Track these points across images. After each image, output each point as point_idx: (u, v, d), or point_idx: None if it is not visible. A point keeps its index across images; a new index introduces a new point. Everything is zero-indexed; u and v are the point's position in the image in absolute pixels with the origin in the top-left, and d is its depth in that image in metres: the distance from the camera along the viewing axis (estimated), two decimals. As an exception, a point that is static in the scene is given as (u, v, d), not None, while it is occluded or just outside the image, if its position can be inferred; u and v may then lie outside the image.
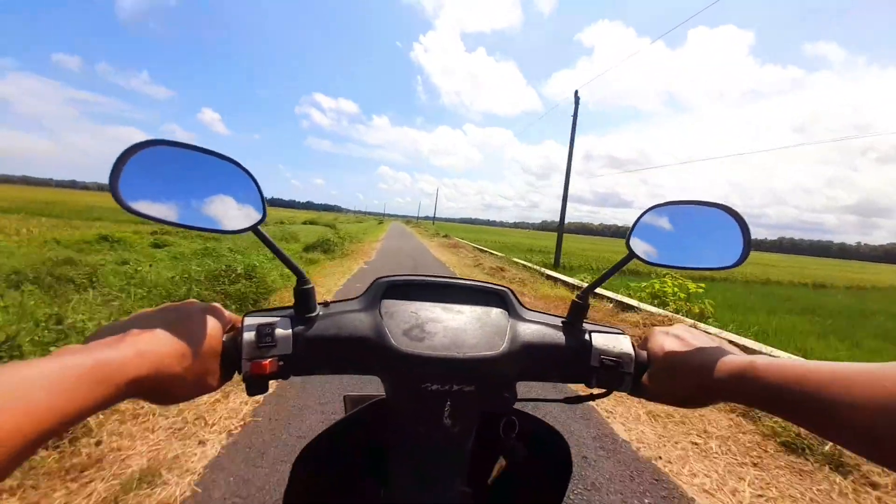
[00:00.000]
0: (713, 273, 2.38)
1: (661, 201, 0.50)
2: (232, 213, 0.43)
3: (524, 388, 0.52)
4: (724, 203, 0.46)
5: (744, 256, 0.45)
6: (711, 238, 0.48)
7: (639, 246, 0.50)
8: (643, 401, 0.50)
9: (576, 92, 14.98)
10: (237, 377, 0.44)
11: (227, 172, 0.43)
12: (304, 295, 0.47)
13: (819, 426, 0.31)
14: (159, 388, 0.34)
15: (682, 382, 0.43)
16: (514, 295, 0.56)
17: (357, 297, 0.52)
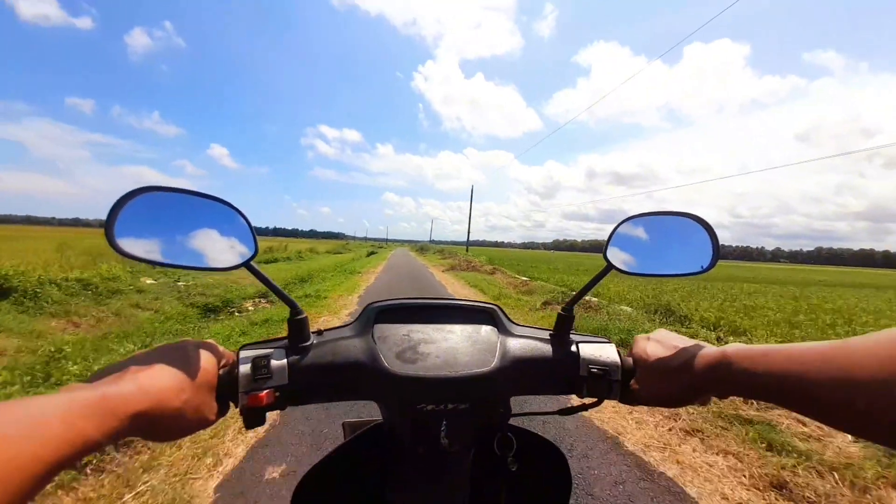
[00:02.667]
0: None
1: (633, 214, 0.53)
2: (225, 251, 0.46)
3: (518, 404, 0.54)
4: (693, 213, 0.49)
5: (713, 262, 0.48)
6: (684, 246, 0.51)
7: (616, 257, 0.53)
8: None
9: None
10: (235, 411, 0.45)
11: (218, 212, 0.46)
12: (297, 325, 0.49)
13: (784, 402, 0.33)
14: (160, 423, 0.36)
15: (668, 383, 0.45)
16: (503, 311, 0.58)
17: (350, 324, 0.54)
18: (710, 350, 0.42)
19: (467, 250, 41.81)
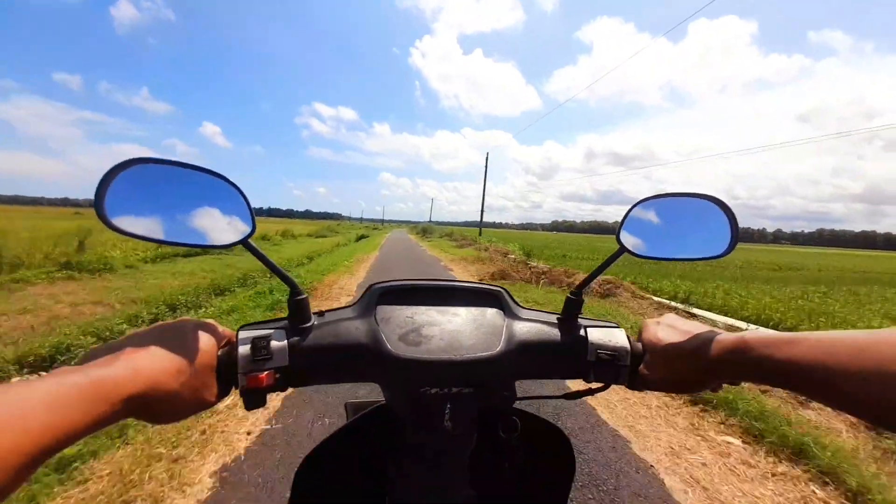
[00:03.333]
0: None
1: (650, 195, 0.52)
2: (221, 228, 0.45)
3: (523, 387, 0.53)
4: (711, 194, 0.48)
5: (732, 245, 0.47)
6: (700, 229, 0.49)
7: (629, 240, 0.52)
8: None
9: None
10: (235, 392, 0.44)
11: (215, 187, 0.44)
12: (298, 305, 0.48)
13: (810, 391, 0.33)
14: (156, 406, 0.35)
15: (679, 368, 0.44)
16: (509, 294, 0.57)
17: (352, 305, 0.53)
18: (726, 335, 0.41)
19: (480, 233, 31.79)
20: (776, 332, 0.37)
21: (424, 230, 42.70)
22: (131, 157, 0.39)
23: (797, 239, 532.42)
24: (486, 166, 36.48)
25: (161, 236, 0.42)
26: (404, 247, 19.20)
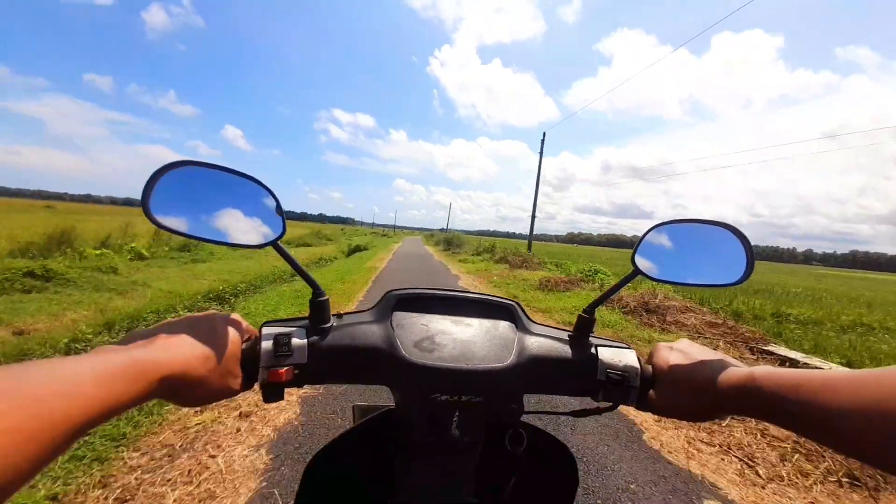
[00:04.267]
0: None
1: (666, 220, 0.53)
2: (253, 229, 0.48)
3: (532, 401, 0.57)
4: (727, 222, 0.49)
5: (747, 274, 0.47)
6: (715, 255, 0.50)
7: (644, 263, 0.53)
8: None
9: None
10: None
11: (250, 190, 0.47)
12: (319, 307, 0.50)
13: (814, 434, 0.33)
14: (185, 389, 0.38)
15: (687, 397, 0.45)
16: (522, 308, 0.58)
17: (369, 310, 0.55)
18: (736, 370, 0.41)
19: (530, 248, 22.14)
20: (786, 370, 0.37)
21: (448, 241, 28.76)
22: (157, 163, 0.42)
23: (829, 261, 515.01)
24: (540, 152, 23.18)
25: (198, 233, 0.45)
26: (428, 281, 10.31)
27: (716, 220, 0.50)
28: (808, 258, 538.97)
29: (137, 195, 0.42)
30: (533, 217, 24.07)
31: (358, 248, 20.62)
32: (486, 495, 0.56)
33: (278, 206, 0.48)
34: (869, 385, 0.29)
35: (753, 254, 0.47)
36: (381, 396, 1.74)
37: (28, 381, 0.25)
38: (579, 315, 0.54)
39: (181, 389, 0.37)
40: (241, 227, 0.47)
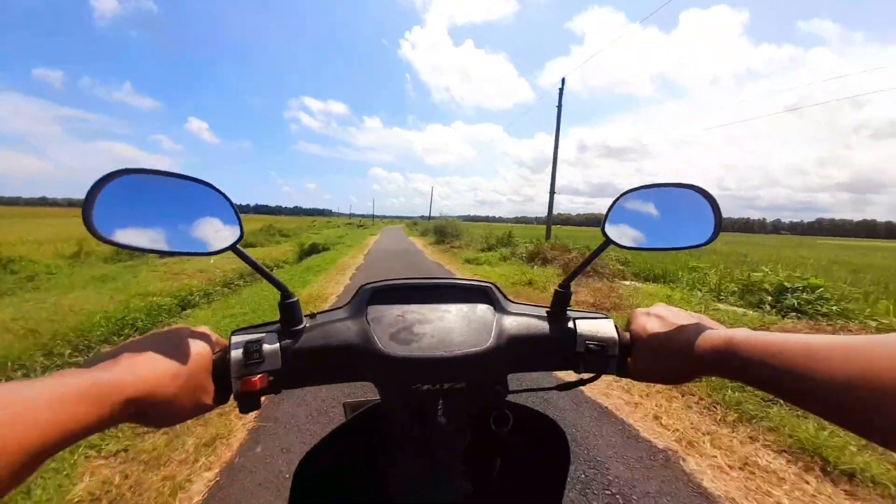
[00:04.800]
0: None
1: (635, 185, 0.53)
2: (210, 235, 0.46)
3: (517, 381, 0.55)
4: (694, 183, 0.49)
5: (715, 234, 0.48)
6: (684, 218, 0.51)
7: (614, 232, 0.53)
8: None
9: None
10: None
11: (202, 195, 0.45)
12: (289, 309, 0.49)
13: (795, 398, 0.33)
14: (154, 409, 0.36)
15: (666, 361, 0.45)
16: (499, 290, 0.58)
17: (343, 306, 0.54)
18: (714, 333, 0.41)
19: (549, 235, 16.41)
20: (766, 333, 0.36)
21: (441, 231, 21.30)
22: (118, 162, 0.42)
23: (796, 229, 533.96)
24: (557, 119, 17.51)
25: (150, 245, 0.43)
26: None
27: (684, 182, 0.50)
28: (777, 227, 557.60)
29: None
30: (552, 193, 17.27)
31: (315, 249, 14.35)
32: (478, 479, 0.56)
33: (234, 209, 0.47)
34: (860, 355, 0.28)
35: (721, 214, 0.48)
36: (372, 391, 1.20)
37: None
38: (555, 290, 0.55)
39: (150, 410, 0.36)
40: (198, 234, 0.45)
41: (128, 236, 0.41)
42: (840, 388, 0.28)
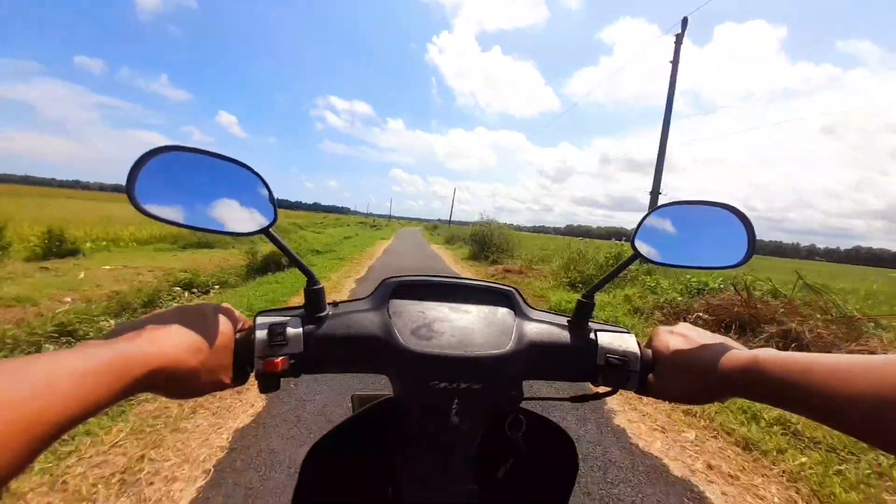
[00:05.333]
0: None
1: (667, 202, 0.52)
2: (244, 216, 0.47)
3: (531, 387, 0.57)
4: (728, 202, 0.48)
5: (748, 255, 0.47)
6: (716, 238, 0.50)
7: (643, 246, 0.53)
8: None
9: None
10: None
11: (240, 176, 0.47)
12: (314, 295, 0.50)
13: (825, 418, 0.33)
14: (175, 381, 0.37)
15: (688, 380, 0.45)
16: (520, 294, 0.58)
17: (366, 298, 0.55)
18: (738, 352, 0.41)
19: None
20: (789, 353, 0.37)
21: (482, 242, 14.60)
22: (154, 144, 0.41)
23: (832, 256, 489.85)
24: (676, 53, 13.19)
25: (187, 221, 0.44)
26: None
27: (717, 200, 0.49)
28: (812, 253, 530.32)
29: (124, 181, 0.40)
30: (655, 194, 13.15)
31: (266, 269, 8.12)
32: (486, 480, 0.56)
33: (270, 192, 0.48)
34: (886, 371, 0.29)
35: (755, 236, 0.47)
36: (380, 385, 1.74)
37: None
38: (578, 300, 0.55)
39: (171, 382, 0.37)
40: (233, 214, 0.46)
41: (165, 210, 0.42)
42: (871, 407, 0.29)
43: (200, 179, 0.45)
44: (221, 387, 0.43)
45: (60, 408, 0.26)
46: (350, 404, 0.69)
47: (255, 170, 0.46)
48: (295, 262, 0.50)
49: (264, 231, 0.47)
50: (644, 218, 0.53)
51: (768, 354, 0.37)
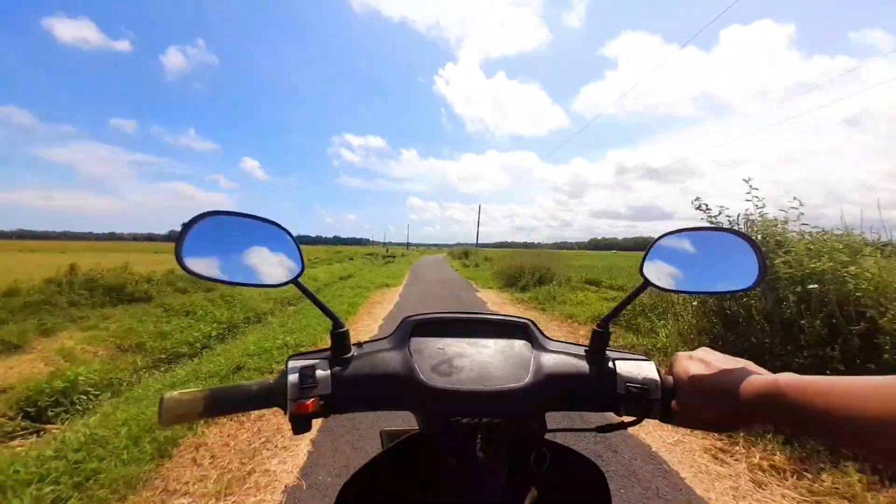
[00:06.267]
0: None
1: (672, 229, 0.54)
2: (275, 269, 0.52)
3: (556, 419, 0.56)
4: (735, 228, 0.55)
5: (760, 278, 0.48)
6: (726, 262, 0.51)
7: (653, 274, 0.54)
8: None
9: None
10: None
11: (269, 233, 0.52)
12: (340, 338, 0.53)
13: (844, 442, 0.32)
14: None
15: (710, 406, 0.45)
16: (537, 327, 0.59)
17: (388, 337, 0.57)
18: (758, 378, 0.40)
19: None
20: (811, 377, 0.36)
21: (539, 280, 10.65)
22: (184, 194, 0.51)
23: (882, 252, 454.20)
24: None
25: (225, 277, 0.49)
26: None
27: (722, 226, 0.55)
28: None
29: (157, 230, 0.30)
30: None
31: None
32: None
33: (296, 244, 0.52)
34: None
35: (765, 258, 0.48)
36: (409, 420, 0.72)
37: None
38: (593, 330, 0.55)
39: None
40: (264, 268, 0.51)
41: (207, 268, 0.47)
42: (889, 430, 0.28)
43: (236, 238, 0.50)
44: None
45: None
46: (380, 440, 0.70)
47: (283, 226, 0.52)
48: (321, 308, 0.53)
49: (293, 281, 0.52)
50: (652, 244, 0.54)
51: (789, 379, 0.37)
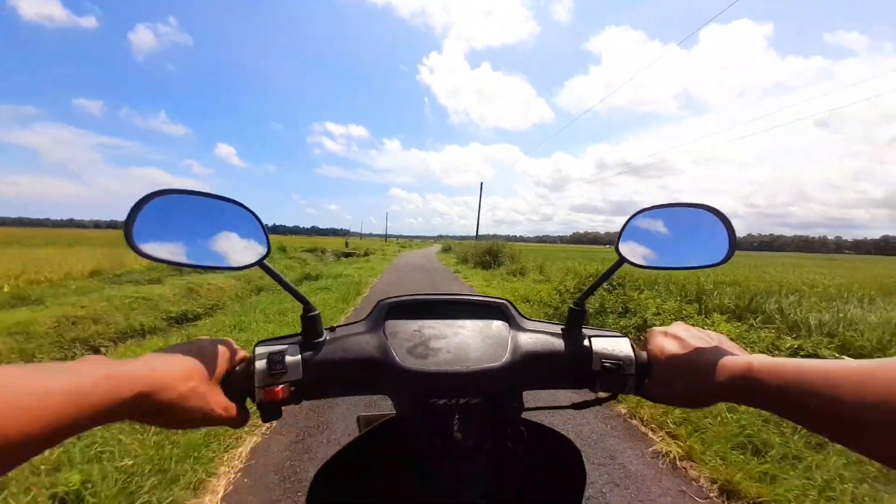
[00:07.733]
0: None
1: (647, 206, 0.54)
2: (239, 250, 0.49)
3: (532, 398, 0.56)
4: (706, 203, 0.50)
5: (730, 254, 0.49)
6: (699, 238, 0.52)
7: (628, 251, 0.54)
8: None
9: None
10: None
11: (232, 213, 0.50)
12: (311, 322, 0.52)
13: (815, 426, 0.33)
14: (164, 408, 0.37)
15: (683, 385, 0.45)
16: (514, 307, 0.60)
17: (362, 321, 0.57)
18: (733, 359, 0.42)
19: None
20: (785, 360, 0.37)
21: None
22: (154, 186, 0.44)
23: (860, 247, 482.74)
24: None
25: (183, 259, 0.47)
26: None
27: (697, 202, 0.51)
28: (840, 247, 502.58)
29: (122, 217, 0.42)
30: None
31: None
32: (496, 495, 0.57)
33: (262, 227, 0.51)
34: (876, 379, 0.28)
35: (735, 234, 0.49)
36: (386, 405, 1.17)
37: None
38: (570, 308, 0.56)
39: (160, 408, 0.36)
40: (227, 249, 0.49)
41: (162, 250, 0.45)
42: (863, 415, 0.28)
43: (196, 219, 0.47)
44: (215, 420, 0.43)
45: (46, 423, 0.26)
46: (357, 425, 0.70)
47: (247, 206, 0.49)
48: (289, 290, 0.52)
49: (258, 263, 0.49)
50: (627, 222, 0.54)
51: (762, 361, 0.38)
